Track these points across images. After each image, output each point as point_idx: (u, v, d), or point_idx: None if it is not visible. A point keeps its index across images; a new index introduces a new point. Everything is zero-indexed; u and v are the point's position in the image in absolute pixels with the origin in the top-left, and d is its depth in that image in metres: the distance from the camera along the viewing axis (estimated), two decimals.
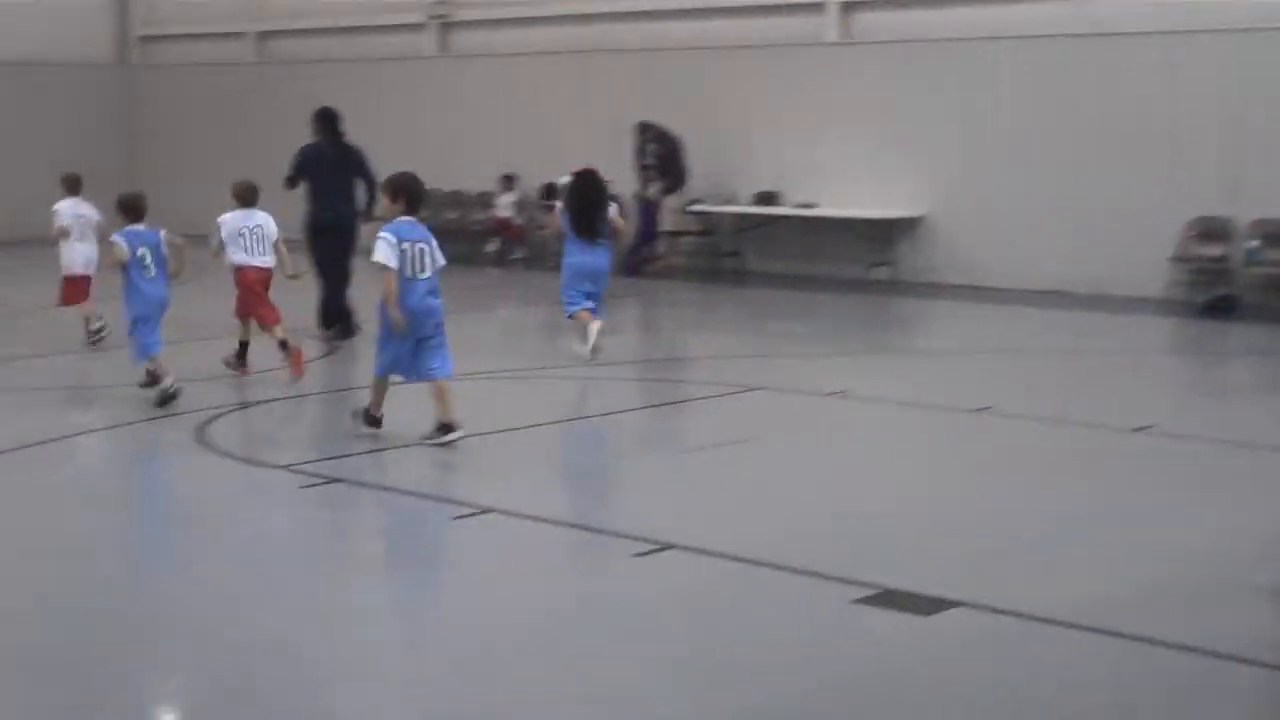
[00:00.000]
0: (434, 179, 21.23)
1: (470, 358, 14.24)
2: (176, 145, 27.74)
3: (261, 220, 12.97)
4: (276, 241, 12.78)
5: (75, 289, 14.98)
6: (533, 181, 23.36)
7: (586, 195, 13.97)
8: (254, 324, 13.00)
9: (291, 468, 9.55)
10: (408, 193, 10.09)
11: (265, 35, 27.55)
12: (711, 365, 13.85)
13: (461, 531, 8.20)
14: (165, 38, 28.89)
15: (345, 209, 15.40)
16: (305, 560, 7.81)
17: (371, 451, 10.04)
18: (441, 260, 10.18)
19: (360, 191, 15.39)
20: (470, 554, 7.81)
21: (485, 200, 23.97)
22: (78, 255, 15.00)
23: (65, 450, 10.40)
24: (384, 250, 9.90)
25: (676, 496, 8.98)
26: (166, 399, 11.48)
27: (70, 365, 13.93)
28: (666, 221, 21.81)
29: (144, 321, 11.73)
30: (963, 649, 6.29)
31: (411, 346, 10.11)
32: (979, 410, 11.38)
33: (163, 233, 12.06)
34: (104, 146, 27.18)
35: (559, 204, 14.71)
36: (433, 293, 10.11)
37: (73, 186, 15.39)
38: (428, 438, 10.08)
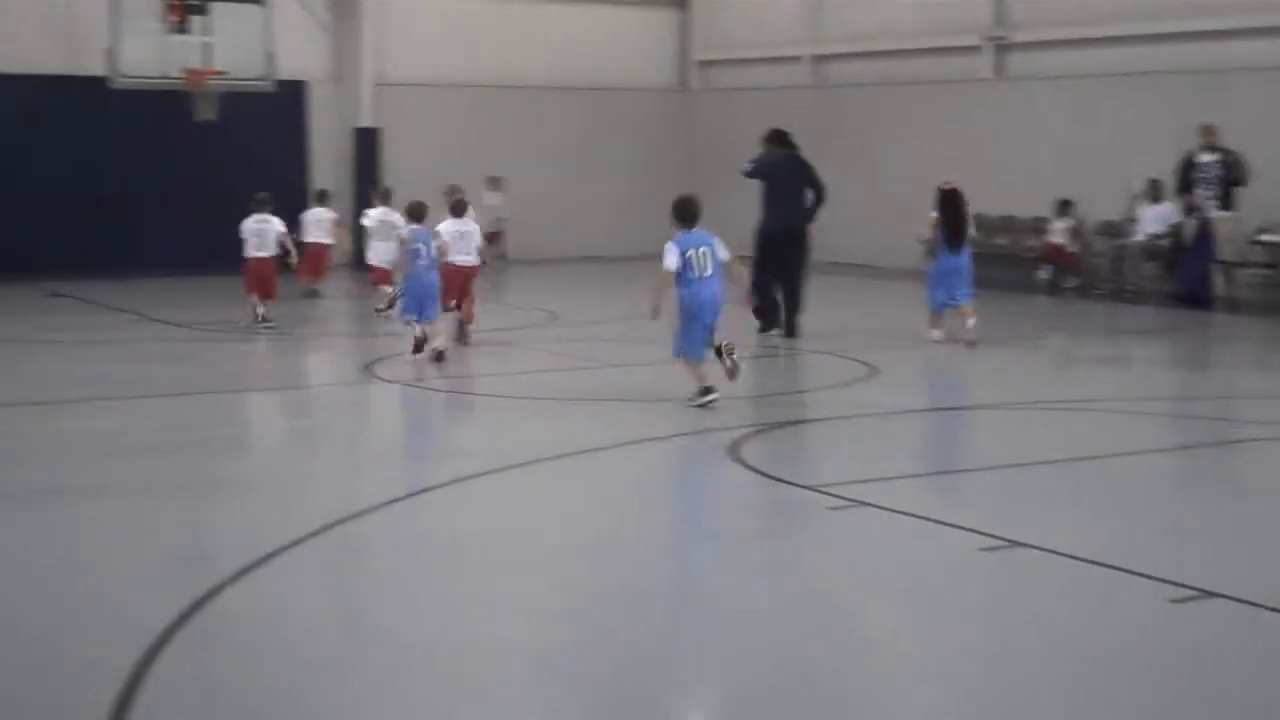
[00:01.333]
0: (983, 203, 20.93)
1: (1006, 388, 13.99)
2: (730, 165, 28.53)
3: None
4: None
5: (378, 275, 19.38)
6: (1090, 207, 22.76)
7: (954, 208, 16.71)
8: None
9: (819, 488, 9.64)
10: (680, 213, 12.40)
11: (821, 59, 28.00)
12: (1269, 406, 13.09)
13: (986, 563, 8.05)
14: (722, 62, 29.84)
15: (797, 216, 17.32)
16: (825, 582, 7.86)
17: (898, 478, 10.02)
18: (724, 255, 12.42)
19: (809, 199, 17.31)
20: (991, 587, 7.67)
21: (1038, 226, 23.52)
22: (378, 253, 19.59)
23: (604, 459, 10.86)
24: (667, 256, 12.30)
25: (1219, 541, 8.52)
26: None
27: (613, 376, 14.54)
28: (1225, 250, 20.74)
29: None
30: None
31: (702, 331, 12.37)
32: None
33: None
34: (664, 166, 28.36)
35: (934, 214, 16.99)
36: (716, 286, 12.34)
37: (385, 197, 20.53)
38: (691, 400, 12.40)
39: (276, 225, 18.39)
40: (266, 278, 18.28)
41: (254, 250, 18.24)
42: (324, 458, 11.41)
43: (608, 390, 13.72)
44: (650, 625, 7.02)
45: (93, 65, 22.78)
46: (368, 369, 14.99)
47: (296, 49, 25.31)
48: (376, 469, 10.78)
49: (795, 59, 28.26)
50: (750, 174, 17.68)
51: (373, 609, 7.35)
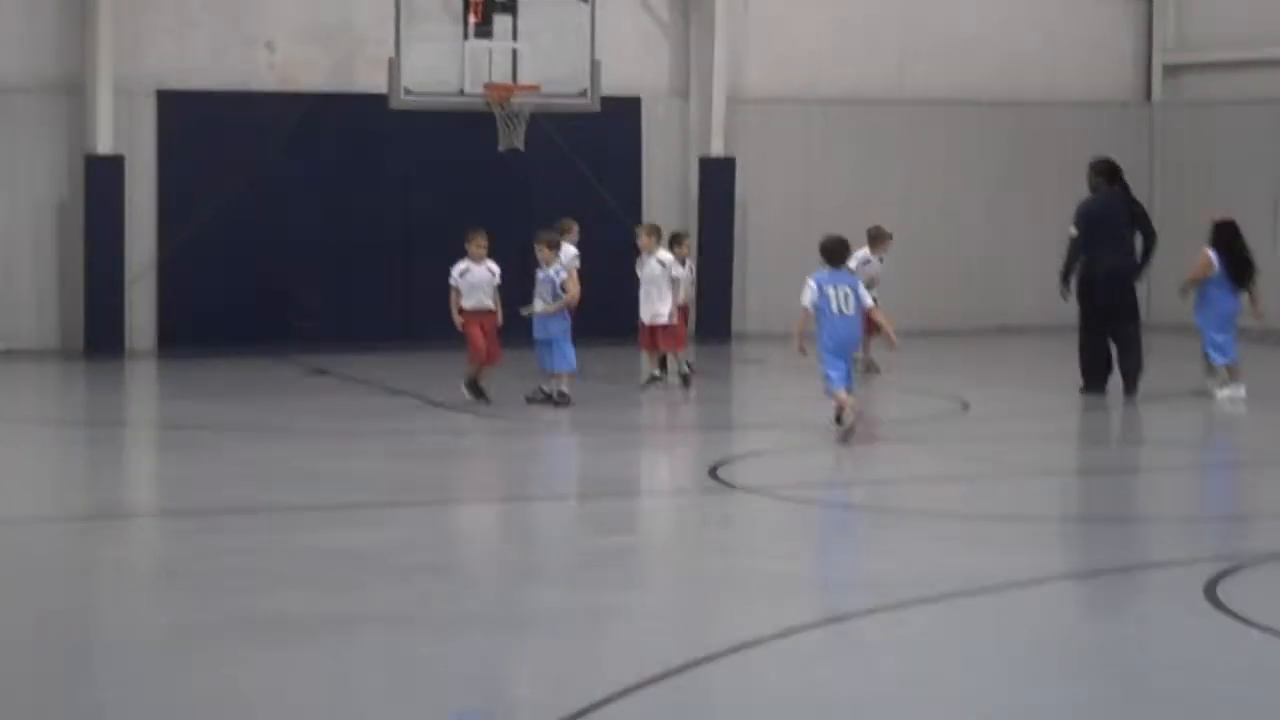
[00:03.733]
0: None
1: None
2: (1204, 199, 27.92)
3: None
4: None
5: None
6: None
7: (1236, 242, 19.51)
8: None
9: None
10: (823, 252, 16.66)
11: None
12: None
13: None
14: (1197, 66, 29.23)
15: (1124, 262, 19.71)
16: None
17: None
18: (867, 301, 16.82)
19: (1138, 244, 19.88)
20: None
21: None
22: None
23: (1028, 597, 10.63)
24: (806, 293, 16.49)
25: None
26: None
27: (1042, 486, 14.27)
28: None
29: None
30: None
31: (842, 367, 16.53)
32: None
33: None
34: None
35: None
36: (854, 326, 16.70)
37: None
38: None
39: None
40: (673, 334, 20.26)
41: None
42: (652, 588, 11.45)
43: (1031, 504, 13.50)
44: None
45: (369, 80, 23.64)
46: (714, 473, 15.05)
47: (629, 56, 25.83)
48: (723, 603, 10.77)
49: None
50: (1078, 221, 19.87)
51: None
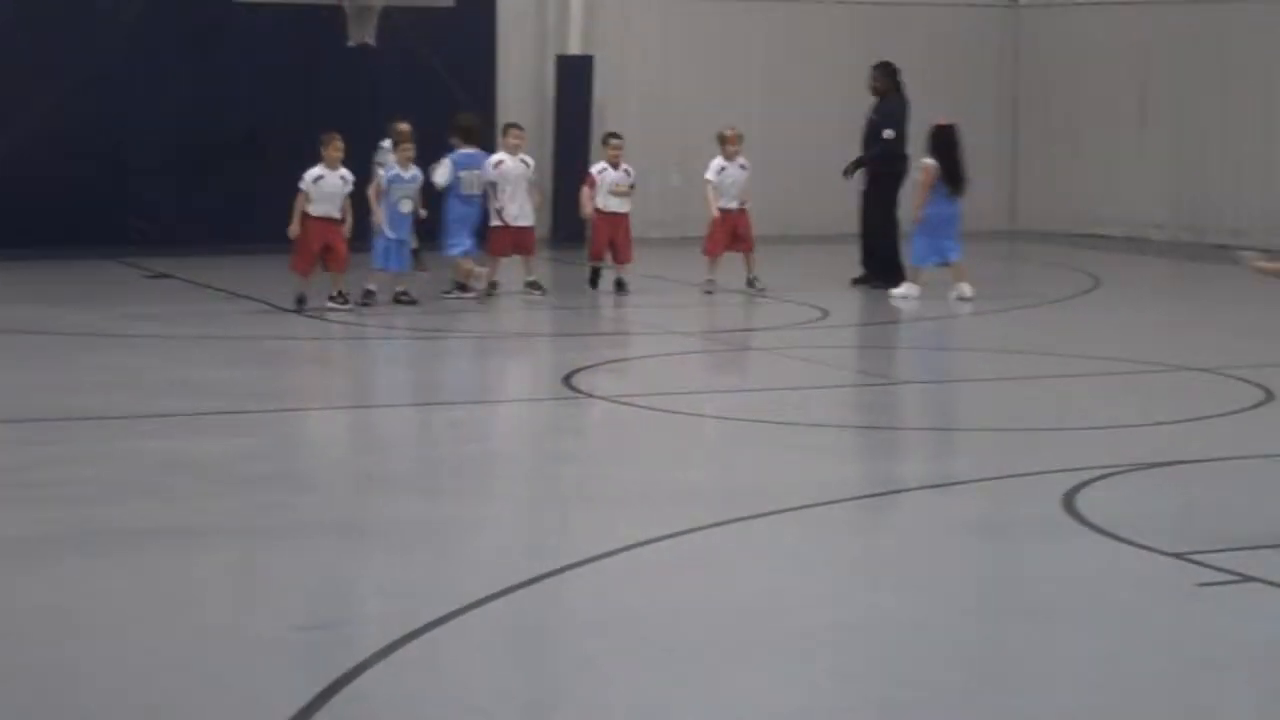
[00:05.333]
0: None
1: None
2: (1066, 108, 28.20)
3: None
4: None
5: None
6: None
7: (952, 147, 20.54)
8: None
9: (1185, 557, 9.47)
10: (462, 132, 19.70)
11: None
12: None
13: None
14: None
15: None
16: (1181, 670, 7.72)
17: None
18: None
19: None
20: None
21: None
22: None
23: (886, 507, 10.81)
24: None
25: None
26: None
27: (905, 395, 14.44)
28: None
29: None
30: None
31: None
32: None
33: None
34: (976, 114, 28.04)
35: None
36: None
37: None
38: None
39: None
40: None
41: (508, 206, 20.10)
42: (501, 499, 11.54)
43: (897, 416, 13.65)
44: None
45: None
46: (568, 380, 15.13)
47: None
48: (569, 516, 10.89)
49: None
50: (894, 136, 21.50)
51: (549, 704, 7.43)
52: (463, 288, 19.57)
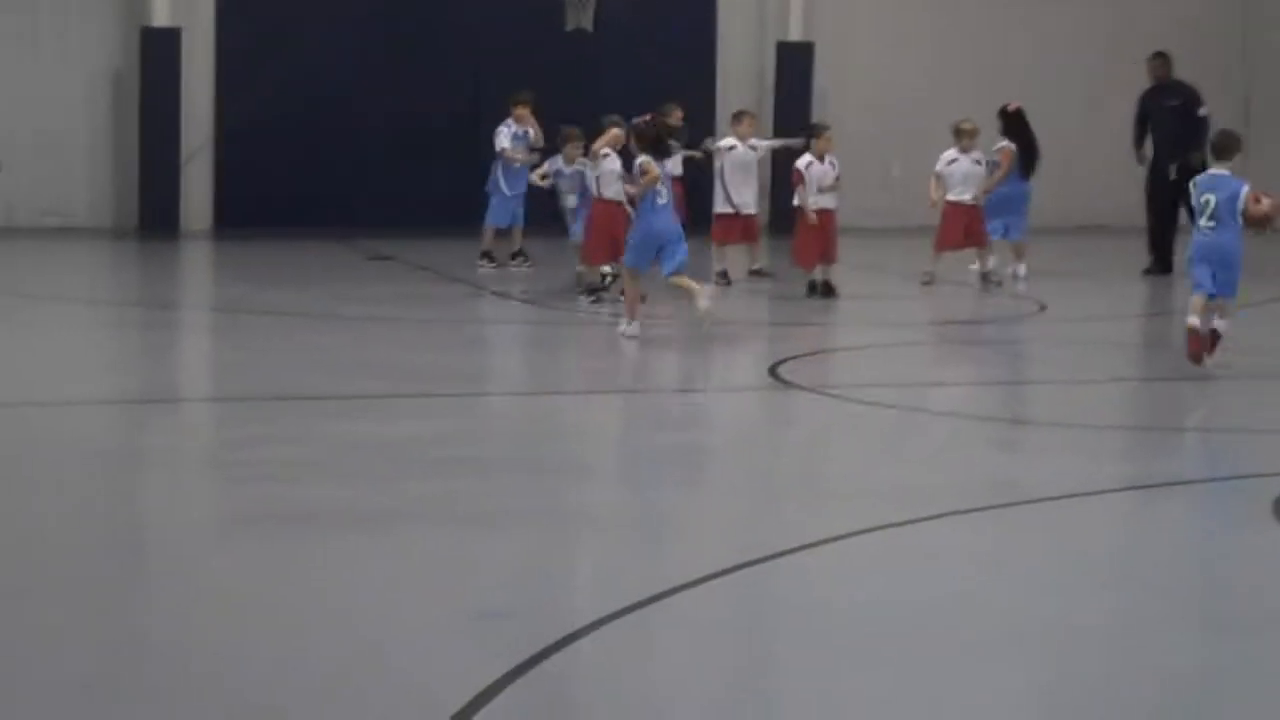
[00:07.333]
0: None
1: None
2: None
3: None
4: None
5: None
6: None
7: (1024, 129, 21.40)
8: None
9: None
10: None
11: None
12: None
13: None
14: None
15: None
16: None
17: None
18: None
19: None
20: None
21: None
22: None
23: (1093, 508, 10.67)
24: None
25: None
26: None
27: (1120, 392, 14.25)
28: None
29: None
30: None
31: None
32: None
33: None
34: (1214, 96, 27.54)
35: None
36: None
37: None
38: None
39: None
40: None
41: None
42: (705, 490, 11.55)
43: (1109, 413, 13.50)
44: None
45: None
46: (774, 371, 15.11)
47: None
48: (773, 506, 10.86)
49: None
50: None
51: (738, 702, 7.42)
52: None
